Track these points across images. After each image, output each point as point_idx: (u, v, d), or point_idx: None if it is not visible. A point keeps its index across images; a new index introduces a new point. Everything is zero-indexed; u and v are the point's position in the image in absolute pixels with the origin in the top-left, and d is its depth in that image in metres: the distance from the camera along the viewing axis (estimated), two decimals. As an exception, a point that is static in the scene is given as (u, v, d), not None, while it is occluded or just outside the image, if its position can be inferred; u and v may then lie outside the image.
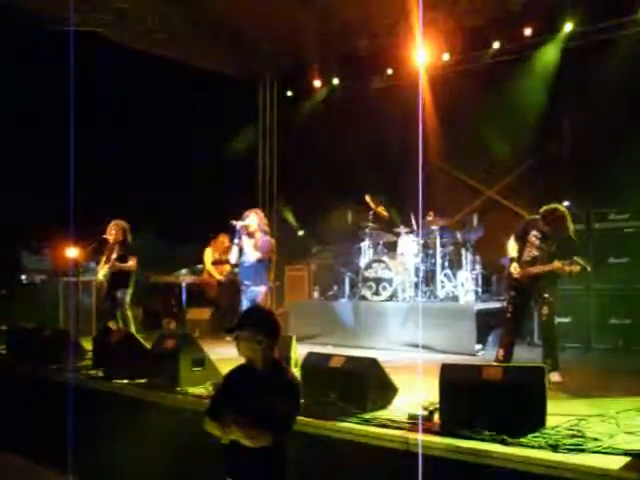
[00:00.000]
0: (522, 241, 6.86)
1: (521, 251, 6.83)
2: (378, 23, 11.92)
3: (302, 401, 5.16)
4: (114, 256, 9.08)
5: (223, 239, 11.55)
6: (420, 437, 4.32)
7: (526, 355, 7.63)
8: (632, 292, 8.36)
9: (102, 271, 9.24)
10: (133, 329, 8.90)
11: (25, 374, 7.61)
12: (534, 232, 6.80)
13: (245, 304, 8.00)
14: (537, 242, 6.75)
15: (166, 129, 11.77)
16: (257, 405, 3.49)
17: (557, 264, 6.43)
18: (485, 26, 11.28)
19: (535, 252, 6.72)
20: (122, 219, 9.32)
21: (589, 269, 6.60)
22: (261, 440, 3.43)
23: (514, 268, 6.74)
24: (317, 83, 13.53)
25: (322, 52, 12.90)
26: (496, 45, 11.37)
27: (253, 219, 8.19)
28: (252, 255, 8.02)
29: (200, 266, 11.84)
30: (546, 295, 6.56)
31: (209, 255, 11.68)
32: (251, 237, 8.10)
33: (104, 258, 9.24)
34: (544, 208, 6.73)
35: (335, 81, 13.46)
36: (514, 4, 10.64)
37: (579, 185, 9.91)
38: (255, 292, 8.03)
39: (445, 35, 11.40)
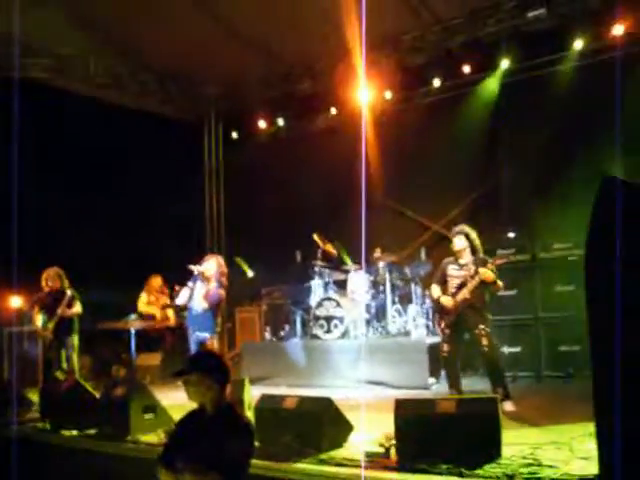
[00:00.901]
0: (443, 281, 7.01)
1: (445, 288, 6.96)
2: (320, 64, 12.07)
3: (257, 444, 5.13)
4: (62, 306, 8.90)
5: (155, 279, 11.42)
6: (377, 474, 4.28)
7: (479, 386, 7.66)
8: (580, 319, 8.47)
9: (38, 321, 9.04)
10: (80, 378, 8.70)
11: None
12: (450, 266, 7.01)
13: (193, 348, 7.88)
14: (455, 272, 6.93)
15: (107, 174, 11.65)
16: (210, 450, 3.44)
17: (482, 270, 6.60)
18: (426, 64, 11.51)
19: (457, 280, 6.87)
20: (59, 267, 9.17)
21: (510, 258, 6.92)
22: None
23: (445, 301, 6.84)
24: (262, 124, 13.59)
25: (266, 93, 13.01)
26: (437, 82, 11.60)
27: (212, 265, 8.09)
28: (200, 304, 7.90)
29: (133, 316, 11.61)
30: (482, 326, 6.63)
31: (143, 301, 11.49)
32: (204, 283, 7.98)
33: (37, 307, 9.05)
34: (458, 229, 7.05)
35: (280, 122, 13.55)
36: (454, 43, 10.90)
37: (522, 216, 10.10)
38: (201, 337, 7.91)
39: (387, 74, 11.59)
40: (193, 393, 3.64)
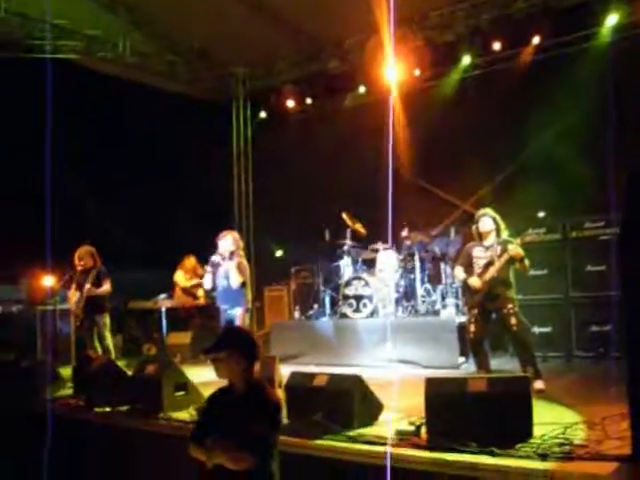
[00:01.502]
0: (469, 263, 6.99)
1: (470, 270, 6.94)
2: (349, 42, 12.00)
3: (287, 421, 5.17)
4: (88, 285, 8.97)
5: (188, 261, 11.50)
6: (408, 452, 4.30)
7: (509, 366, 7.64)
8: (610, 299, 8.40)
9: (74, 298, 9.13)
10: (113, 355, 8.81)
11: (4, 407, 7.47)
12: (476, 249, 6.98)
13: (223, 325, 7.94)
14: (482, 253, 6.90)
15: (139, 154, 11.73)
16: (239, 427, 3.47)
17: (511, 248, 6.59)
18: (455, 41, 11.39)
19: (484, 260, 6.84)
20: (92, 245, 9.24)
21: (538, 236, 7.01)
22: (244, 463, 3.42)
23: (473, 282, 6.81)
24: (290, 103, 13.56)
25: (294, 72, 12.97)
26: (466, 60, 11.49)
27: (229, 240, 8.11)
28: (235, 280, 7.91)
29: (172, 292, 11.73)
30: (510, 306, 6.60)
31: (181, 277, 11.58)
32: (230, 259, 8.02)
33: (74, 285, 9.12)
34: (483, 212, 7.05)
35: (308, 101, 13.51)
36: (482, 20, 10.77)
37: (553, 195, 9.99)
38: (232, 315, 7.95)
39: (415, 51, 11.50)
40: (222, 370, 3.66)
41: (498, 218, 6.95)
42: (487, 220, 6.91)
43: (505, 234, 6.95)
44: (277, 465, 3.64)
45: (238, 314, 7.92)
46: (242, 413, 3.54)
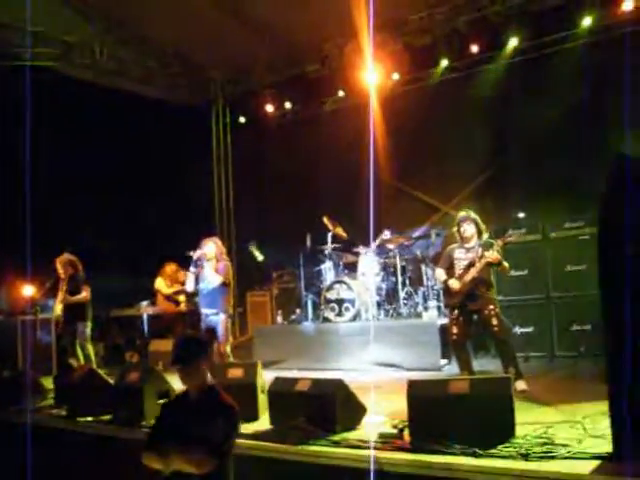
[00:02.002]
0: (449, 265, 7.03)
1: (452, 271, 6.98)
2: (328, 47, 12.02)
3: (270, 426, 5.16)
4: (63, 290, 8.93)
5: (168, 267, 11.46)
6: (391, 455, 4.30)
7: (491, 367, 7.67)
8: (591, 298, 8.45)
9: (59, 306, 9.08)
10: (94, 364, 8.75)
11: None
12: (457, 251, 7.04)
13: (203, 331, 7.91)
14: (463, 255, 6.95)
15: (118, 160, 11.67)
16: (197, 431, 3.54)
17: (488, 254, 6.64)
18: (433, 45, 11.45)
19: (465, 262, 6.88)
20: (73, 254, 9.20)
21: (519, 237, 7.00)
22: (205, 465, 3.47)
23: (453, 283, 6.85)
24: (269, 108, 13.57)
25: (273, 77, 12.98)
26: (444, 63, 11.56)
27: (211, 247, 8.10)
28: (213, 280, 7.90)
29: (153, 299, 11.67)
30: (490, 307, 6.63)
31: (162, 283, 11.53)
32: (209, 263, 8.01)
33: (60, 294, 9.08)
34: (463, 215, 7.06)
35: (287, 105, 13.53)
36: (460, 23, 10.84)
37: (532, 196, 10.07)
38: (214, 321, 7.93)
39: (394, 55, 11.54)
40: (191, 378, 3.75)
41: (478, 220, 6.98)
42: (469, 225, 6.94)
43: (485, 236, 6.99)
44: (233, 467, 3.72)
45: (221, 319, 7.90)
46: (199, 417, 3.61)
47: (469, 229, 6.93)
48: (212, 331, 7.87)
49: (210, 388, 3.81)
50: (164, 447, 3.56)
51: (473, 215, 7.01)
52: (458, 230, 7.03)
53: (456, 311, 6.86)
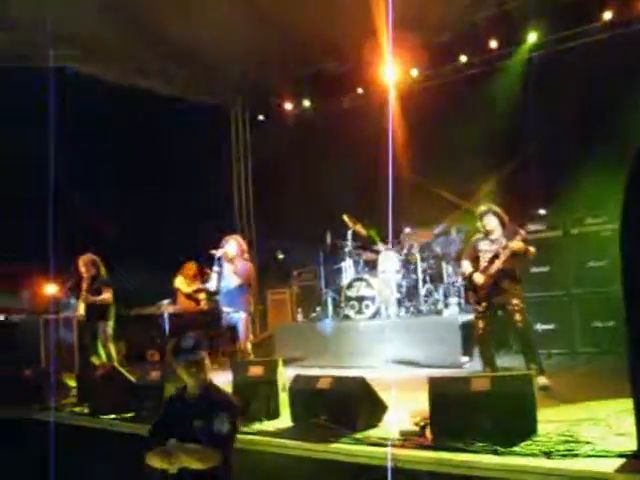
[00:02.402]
0: (475, 257, 7.00)
1: (477, 264, 6.93)
2: (346, 43, 11.98)
3: (292, 424, 5.17)
4: (84, 289, 8.99)
5: (190, 266, 11.50)
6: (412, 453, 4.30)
7: (514, 363, 7.62)
8: (613, 295, 8.38)
9: (82, 306, 9.15)
10: (116, 363, 8.80)
11: (8, 416, 7.47)
12: (481, 242, 6.99)
13: (225, 329, 7.95)
14: (487, 247, 6.91)
15: (139, 160, 11.73)
16: (199, 428, 3.60)
17: (512, 244, 6.61)
18: (451, 41, 11.40)
19: (489, 254, 6.83)
20: (97, 253, 9.25)
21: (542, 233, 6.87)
22: (211, 460, 3.52)
23: (477, 277, 6.81)
24: (288, 106, 13.58)
25: (291, 75, 12.97)
26: (463, 59, 11.50)
27: (232, 246, 8.14)
28: (232, 281, 7.95)
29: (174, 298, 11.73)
30: (515, 302, 6.59)
31: (182, 282, 11.58)
32: (231, 263, 8.04)
33: (83, 293, 9.14)
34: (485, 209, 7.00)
35: (306, 103, 13.52)
36: (479, 18, 10.77)
37: (554, 192, 9.98)
38: (235, 318, 7.96)
39: (412, 51, 11.48)
40: (199, 373, 3.77)
41: (500, 212, 6.93)
42: (490, 219, 6.91)
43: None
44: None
45: (242, 318, 7.93)
46: (204, 414, 3.64)
47: (491, 222, 6.89)
48: (232, 329, 7.91)
49: (209, 385, 3.85)
50: (168, 445, 3.59)
51: (494, 208, 6.96)
52: (482, 224, 6.99)
53: (482, 306, 6.83)
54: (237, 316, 7.95)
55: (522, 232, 6.73)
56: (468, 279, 7.06)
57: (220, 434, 3.56)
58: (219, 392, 3.85)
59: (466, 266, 7.09)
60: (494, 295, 6.74)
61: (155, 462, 3.62)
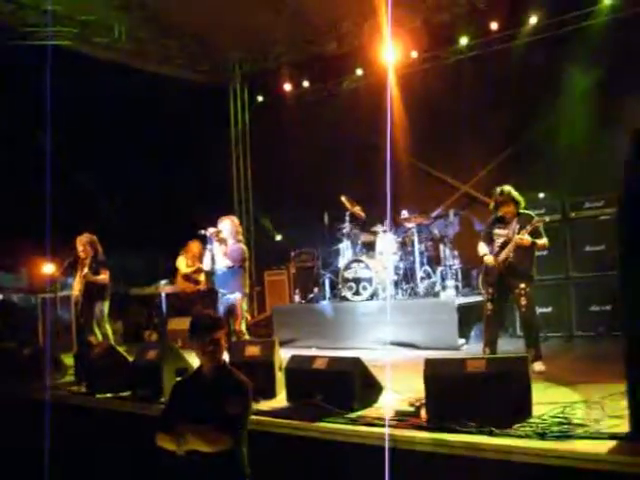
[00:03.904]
0: (490, 239, 6.94)
1: (492, 246, 6.90)
2: (346, 24, 11.94)
3: (287, 404, 5.19)
4: (85, 270, 8.98)
5: (194, 246, 11.49)
6: (407, 433, 4.32)
7: (509, 347, 7.64)
8: (610, 279, 8.39)
9: (78, 286, 9.14)
10: (112, 342, 8.82)
11: (5, 393, 7.50)
12: (496, 225, 6.92)
13: (221, 311, 7.91)
14: (501, 231, 6.84)
15: (137, 140, 11.70)
16: (212, 409, 3.56)
17: (516, 237, 6.54)
18: (452, 22, 11.34)
19: (502, 239, 6.78)
20: (93, 233, 9.23)
21: (547, 219, 6.81)
22: (221, 443, 3.50)
23: (487, 259, 6.80)
24: (287, 87, 13.53)
25: (291, 56, 12.91)
26: (463, 41, 11.44)
27: (226, 225, 8.08)
28: (222, 262, 7.91)
29: (173, 278, 11.73)
30: (522, 285, 6.58)
31: (182, 263, 11.58)
32: (222, 244, 7.98)
33: (79, 273, 9.14)
34: (501, 191, 6.83)
35: (305, 84, 13.46)
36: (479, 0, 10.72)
37: (552, 176, 9.98)
38: (230, 300, 7.94)
39: (412, 33, 11.44)
40: (215, 353, 3.74)
41: (513, 194, 6.75)
42: (509, 206, 6.74)
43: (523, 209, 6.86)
44: (247, 444, 3.74)
45: (237, 299, 7.91)
46: (216, 396, 3.62)
47: (508, 209, 6.80)
48: (228, 310, 7.89)
49: (224, 366, 3.84)
50: (178, 427, 3.56)
51: (513, 193, 6.77)
52: (495, 208, 6.92)
53: (491, 288, 6.83)
54: (232, 297, 7.92)
55: (532, 224, 6.55)
56: (480, 260, 7.01)
57: (230, 416, 3.53)
58: (232, 374, 3.80)
59: (482, 248, 6.99)
60: (504, 280, 6.73)
61: (165, 443, 3.62)
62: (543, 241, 6.66)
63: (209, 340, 3.71)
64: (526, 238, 6.52)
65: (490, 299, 6.84)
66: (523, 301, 6.57)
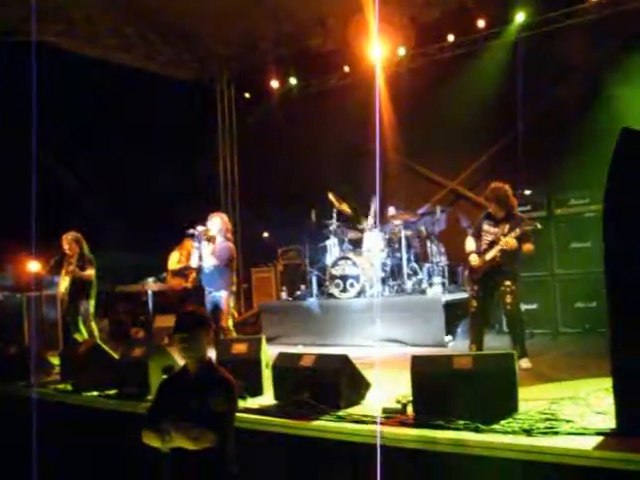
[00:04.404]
0: (478, 235, 6.94)
1: (479, 244, 6.90)
2: (332, 21, 11.92)
3: (275, 401, 5.19)
4: (71, 267, 8.94)
5: (188, 243, 11.44)
6: (394, 430, 4.32)
7: (495, 343, 7.67)
8: (595, 275, 8.42)
9: (64, 283, 9.10)
10: (98, 340, 8.78)
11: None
12: (486, 221, 6.91)
13: (208, 309, 7.89)
14: (490, 228, 6.83)
15: (123, 137, 11.65)
16: (197, 407, 3.56)
17: (503, 240, 6.54)
18: (439, 19, 11.35)
19: (490, 237, 6.78)
20: (78, 231, 9.20)
21: (539, 226, 6.73)
22: (204, 441, 3.49)
23: (473, 259, 6.81)
24: (274, 84, 13.50)
25: (277, 52, 12.89)
26: (451, 38, 11.46)
27: (216, 222, 8.04)
28: (209, 261, 7.87)
29: (164, 274, 11.70)
30: (508, 283, 6.60)
31: (174, 258, 11.54)
32: (210, 242, 7.95)
33: (64, 271, 9.10)
34: (489, 190, 6.83)
35: (292, 81, 13.45)
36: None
37: (538, 172, 10.01)
38: (217, 297, 7.92)
39: (399, 30, 11.44)
40: (192, 350, 3.74)
41: (502, 195, 6.71)
42: (489, 202, 6.79)
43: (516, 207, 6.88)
44: (234, 442, 3.74)
45: (223, 297, 7.89)
46: (200, 393, 3.62)
47: (490, 205, 6.81)
48: (215, 308, 7.87)
49: (209, 364, 3.84)
50: (163, 424, 3.56)
51: (501, 189, 6.73)
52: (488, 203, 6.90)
53: (475, 285, 6.84)
54: (218, 295, 7.91)
55: (518, 230, 6.50)
56: (466, 257, 7.01)
57: (215, 414, 3.53)
58: (217, 371, 3.81)
59: (469, 244, 6.99)
60: (488, 278, 6.74)
61: (150, 440, 3.62)
62: (529, 246, 6.61)
63: (183, 338, 3.72)
64: (512, 242, 6.50)
65: (475, 296, 6.86)
66: (509, 299, 6.58)
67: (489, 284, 6.77)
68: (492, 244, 6.71)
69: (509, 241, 6.51)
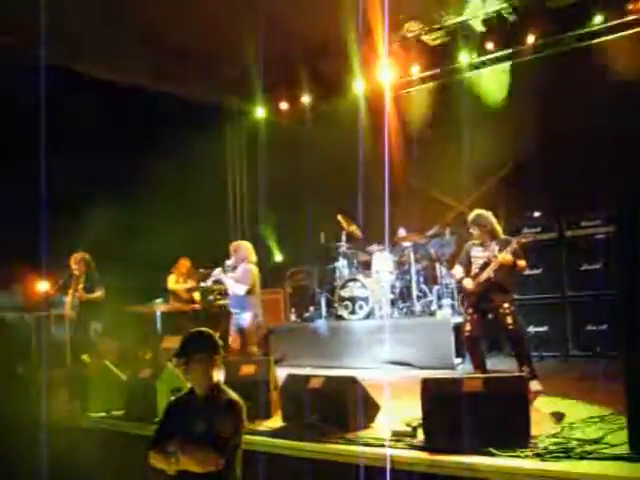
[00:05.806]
0: (468, 263, 6.96)
1: (469, 269, 6.91)
2: (342, 43, 11.96)
3: (283, 423, 5.15)
4: (80, 287, 8.96)
5: (183, 262, 11.46)
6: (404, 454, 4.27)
7: (504, 366, 7.61)
8: (606, 298, 8.39)
9: (72, 303, 9.12)
10: (107, 361, 8.76)
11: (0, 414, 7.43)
12: (474, 248, 6.97)
13: (234, 330, 8.01)
14: (479, 253, 6.87)
15: (134, 158, 11.67)
16: (203, 429, 3.56)
17: (499, 256, 6.57)
18: (449, 43, 11.37)
19: (481, 261, 6.80)
20: (87, 251, 9.24)
21: (531, 238, 6.86)
22: (211, 463, 3.47)
23: (467, 282, 6.81)
24: (284, 104, 13.55)
25: (288, 73, 12.94)
26: (461, 60, 11.48)
27: (242, 252, 8.23)
28: (234, 287, 8.02)
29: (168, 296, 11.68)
30: (505, 305, 6.57)
31: (172, 281, 11.53)
32: (232, 271, 8.13)
33: (71, 291, 9.12)
34: (469, 218, 6.99)
35: (302, 101, 13.48)
36: (477, 21, 10.73)
37: (548, 194, 9.98)
38: (241, 319, 8.02)
39: (410, 53, 11.47)
40: (197, 372, 3.72)
41: (488, 220, 6.88)
42: (474, 227, 6.91)
43: (501, 233, 6.94)
44: (241, 465, 3.71)
45: (247, 318, 7.97)
46: (207, 416, 3.61)
47: (474, 231, 6.89)
48: (239, 330, 7.96)
49: (216, 386, 3.80)
50: (169, 446, 3.54)
51: (479, 218, 6.89)
52: (469, 231, 7.01)
53: (470, 309, 6.82)
54: (243, 316, 8.01)
55: (514, 244, 6.61)
56: (459, 283, 7.06)
57: (221, 436, 3.51)
58: (224, 393, 3.77)
59: (457, 271, 7.06)
60: (483, 302, 6.72)
61: (156, 462, 3.60)
62: (522, 263, 6.68)
63: (182, 362, 3.72)
64: (508, 257, 6.55)
65: (469, 320, 6.83)
66: (509, 320, 6.54)
67: (486, 306, 6.75)
68: (485, 266, 6.73)
69: (505, 256, 6.56)
